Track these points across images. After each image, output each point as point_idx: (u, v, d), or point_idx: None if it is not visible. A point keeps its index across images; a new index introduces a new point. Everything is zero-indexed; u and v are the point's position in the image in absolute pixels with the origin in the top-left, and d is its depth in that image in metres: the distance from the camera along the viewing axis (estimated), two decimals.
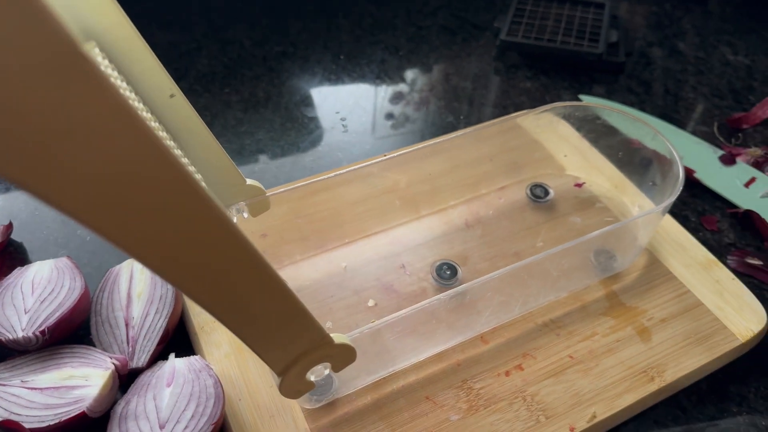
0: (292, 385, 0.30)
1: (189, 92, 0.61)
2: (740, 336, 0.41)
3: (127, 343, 0.39)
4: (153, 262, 0.20)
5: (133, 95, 0.30)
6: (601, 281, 0.45)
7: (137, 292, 0.40)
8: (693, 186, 0.54)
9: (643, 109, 0.63)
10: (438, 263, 0.45)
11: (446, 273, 0.44)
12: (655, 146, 0.46)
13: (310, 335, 0.29)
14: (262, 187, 0.40)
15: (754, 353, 0.42)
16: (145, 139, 0.17)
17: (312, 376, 0.31)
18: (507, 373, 0.39)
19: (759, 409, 0.40)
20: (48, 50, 0.15)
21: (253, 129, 0.58)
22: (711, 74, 0.68)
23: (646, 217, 0.42)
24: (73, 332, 0.40)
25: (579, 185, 0.52)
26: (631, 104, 0.63)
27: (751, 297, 0.43)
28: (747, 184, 0.54)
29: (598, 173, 0.52)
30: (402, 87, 0.65)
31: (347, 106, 0.62)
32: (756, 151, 0.57)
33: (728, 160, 0.56)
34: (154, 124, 0.31)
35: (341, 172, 0.44)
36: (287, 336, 0.28)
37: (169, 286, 0.41)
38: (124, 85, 0.30)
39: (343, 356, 0.32)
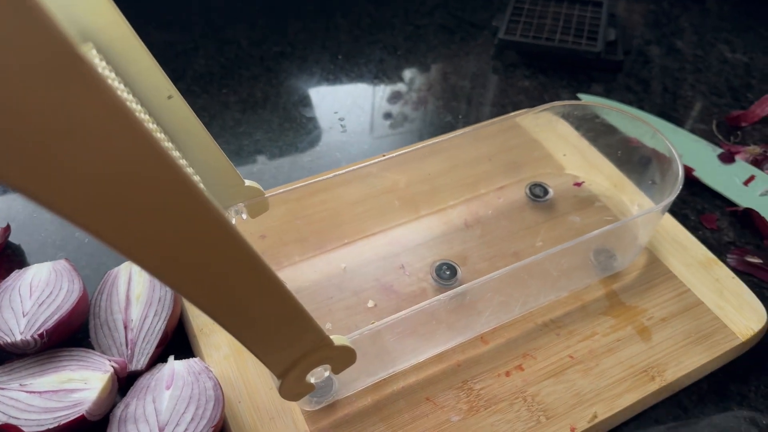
0: (292, 387, 0.30)
1: (187, 93, 0.61)
2: (740, 335, 0.41)
3: (126, 345, 0.39)
4: (150, 265, 0.20)
5: (130, 96, 0.30)
6: (600, 281, 0.44)
7: (136, 294, 0.40)
8: (692, 184, 0.54)
9: (641, 108, 0.63)
10: (437, 263, 0.45)
11: (446, 273, 0.44)
12: (654, 145, 0.46)
13: (310, 337, 0.29)
14: (260, 188, 0.40)
15: (755, 352, 0.42)
16: (143, 141, 0.17)
17: (312, 379, 0.31)
18: (507, 374, 0.39)
19: (759, 407, 0.40)
20: (45, 52, 0.15)
21: (251, 129, 0.58)
22: (709, 72, 0.68)
23: (645, 216, 0.42)
24: (71, 335, 0.39)
25: (578, 184, 0.51)
26: (630, 103, 0.63)
27: (751, 295, 0.43)
28: (746, 182, 0.54)
29: (598, 172, 0.52)
30: (400, 86, 0.64)
31: (345, 106, 0.62)
32: (755, 149, 0.57)
33: (727, 158, 0.56)
34: (151, 126, 0.31)
35: (340, 172, 0.44)
36: (287, 338, 0.27)
37: (168, 288, 0.41)
38: (122, 86, 0.29)
39: (343, 358, 0.31)
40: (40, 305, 0.38)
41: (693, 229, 0.50)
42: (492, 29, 0.72)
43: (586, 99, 0.63)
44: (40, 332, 0.37)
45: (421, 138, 0.58)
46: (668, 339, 0.41)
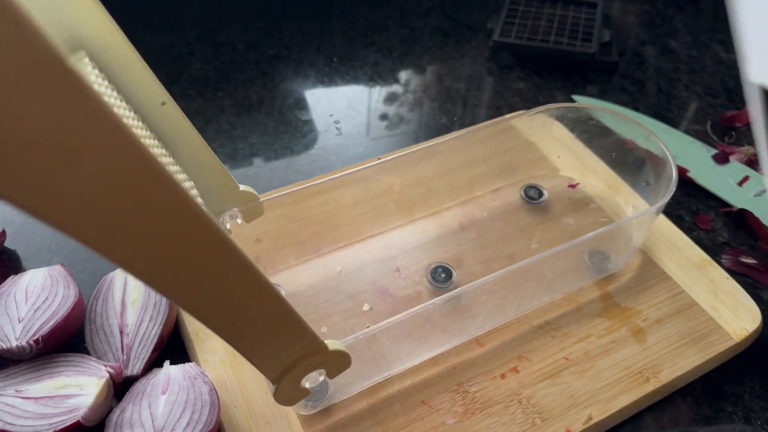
0: (286, 392, 0.30)
1: (182, 96, 0.61)
2: (735, 335, 0.41)
3: (122, 350, 0.39)
4: (142, 272, 0.20)
5: (123, 104, 0.30)
6: (595, 282, 0.45)
7: (131, 299, 0.40)
8: (686, 185, 0.54)
9: (636, 109, 0.63)
10: (433, 266, 0.45)
11: (441, 276, 0.44)
12: (648, 146, 0.46)
13: (304, 343, 0.29)
14: (255, 192, 0.40)
15: (749, 353, 0.42)
16: (133, 152, 0.17)
17: (307, 383, 0.31)
18: (502, 376, 0.39)
19: (754, 408, 0.40)
20: (33, 65, 0.15)
21: (246, 133, 0.58)
22: (704, 73, 0.68)
23: (640, 217, 0.42)
24: (67, 340, 0.39)
25: (573, 186, 0.52)
26: (625, 104, 0.63)
27: (746, 296, 0.44)
28: (740, 183, 0.54)
29: (592, 174, 0.52)
30: (396, 88, 0.65)
31: (341, 108, 0.62)
32: (749, 150, 0.57)
33: (721, 158, 0.56)
34: (144, 132, 0.31)
35: (335, 176, 0.44)
36: (281, 344, 0.27)
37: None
38: (115, 93, 0.29)
39: (337, 362, 0.32)
40: (35, 311, 0.38)
41: (687, 230, 0.50)
42: (487, 31, 0.72)
43: (580, 100, 0.63)
44: (35, 338, 0.37)
45: (417, 140, 0.59)
46: (663, 340, 0.41)
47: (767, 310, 0.44)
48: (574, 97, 0.64)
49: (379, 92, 0.64)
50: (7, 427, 0.34)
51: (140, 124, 0.31)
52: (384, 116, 0.61)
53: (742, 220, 0.51)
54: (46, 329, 0.37)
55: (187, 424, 0.34)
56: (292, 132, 0.59)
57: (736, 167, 0.56)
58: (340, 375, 0.33)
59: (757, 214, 0.50)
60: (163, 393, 0.36)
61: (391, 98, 0.63)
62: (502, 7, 0.73)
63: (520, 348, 0.41)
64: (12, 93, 0.15)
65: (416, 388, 0.38)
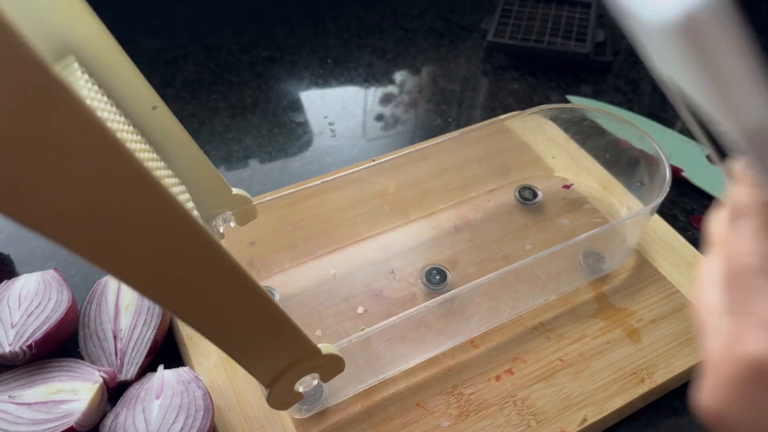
0: (280, 396, 0.30)
1: (176, 99, 0.61)
2: None
3: (116, 355, 0.38)
4: (132, 279, 0.20)
5: (114, 108, 0.30)
6: (590, 283, 0.45)
7: (125, 303, 0.40)
8: (681, 185, 0.54)
9: (631, 109, 0.63)
10: (427, 268, 0.45)
11: (435, 278, 0.44)
12: (642, 146, 0.46)
13: (297, 347, 0.29)
14: (248, 195, 0.40)
15: None
16: (118, 158, 0.17)
17: (300, 387, 0.31)
18: (497, 378, 0.39)
19: None
20: (18, 74, 0.14)
21: (240, 135, 0.58)
22: None
23: (634, 217, 0.42)
24: (60, 345, 0.39)
25: (567, 187, 0.52)
26: (619, 104, 0.63)
27: None
28: None
29: (586, 174, 0.52)
30: (390, 90, 0.64)
31: (335, 110, 0.62)
32: None
33: None
34: (134, 137, 0.31)
35: (329, 178, 0.44)
36: (273, 349, 0.27)
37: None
38: (105, 98, 0.29)
39: (331, 366, 0.31)
40: (28, 316, 0.38)
41: (682, 230, 0.50)
42: (481, 32, 0.72)
43: (575, 101, 0.63)
44: (28, 343, 0.37)
45: (412, 141, 0.58)
46: (658, 341, 0.41)
47: None
48: (569, 97, 0.64)
49: (374, 94, 0.64)
50: None
51: (130, 128, 0.31)
52: (379, 117, 0.61)
53: None
54: (39, 334, 0.37)
55: (182, 428, 0.34)
56: (286, 134, 0.59)
57: None
58: (334, 378, 0.33)
59: None
60: (157, 398, 0.36)
61: (386, 99, 0.63)
62: (496, 7, 0.73)
63: (515, 349, 0.41)
64: None
65: (411, 391, 0.38)
